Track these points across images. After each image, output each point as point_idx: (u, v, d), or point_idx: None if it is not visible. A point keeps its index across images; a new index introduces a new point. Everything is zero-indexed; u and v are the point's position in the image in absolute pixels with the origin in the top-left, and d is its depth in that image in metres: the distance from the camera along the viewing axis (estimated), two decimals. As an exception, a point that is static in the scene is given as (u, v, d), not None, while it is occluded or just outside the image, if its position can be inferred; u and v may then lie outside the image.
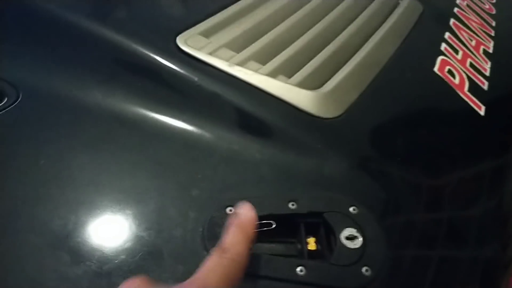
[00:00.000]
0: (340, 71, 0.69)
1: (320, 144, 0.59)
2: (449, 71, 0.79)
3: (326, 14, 0.82)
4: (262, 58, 0.68)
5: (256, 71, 0.64)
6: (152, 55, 0.63)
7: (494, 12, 1.09)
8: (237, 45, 0.69)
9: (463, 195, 0.63)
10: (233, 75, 0.63)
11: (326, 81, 0.67)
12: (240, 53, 0.67)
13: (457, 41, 0.89)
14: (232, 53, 0.67)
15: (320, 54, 0.71)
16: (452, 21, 0.94)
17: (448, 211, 0.60)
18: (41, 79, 0.62)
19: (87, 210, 0.49)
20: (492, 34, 0.98)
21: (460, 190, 0.63)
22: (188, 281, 0.34)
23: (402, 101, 0.72)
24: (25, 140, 0.56)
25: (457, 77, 0.79)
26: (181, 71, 0.62)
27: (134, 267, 0.45)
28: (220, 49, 0.67)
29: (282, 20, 0.77)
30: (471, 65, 0.84)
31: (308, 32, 0.76)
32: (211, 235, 0.47)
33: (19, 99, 0.59)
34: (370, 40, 0.79)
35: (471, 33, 0.94)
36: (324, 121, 0.62)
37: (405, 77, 0.76)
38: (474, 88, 0.78)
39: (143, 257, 0.46)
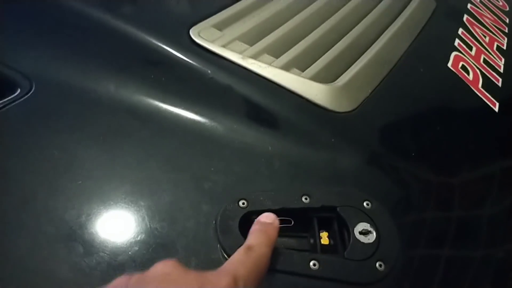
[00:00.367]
0: (353, 66, 0.69)
1: (334, 138, 0.59)
2: (463, 67, 0.78)
3: (340, 8, 0.82)
4: (276, 51, 0.68)
5: (269, 64, 0.64)
6: (165, 47, 0.63)
7: (507, 9, 1.08)
8: (251, 38, 0.69)
9: (475, 193, 0.62)
10: (246, 68, 0.63)
11: (339, 75, 0.66)
12: (254, 46, 0.67)
13: (470, 37, 0.88)
14: (246, 46, 0.67)
15: (333, 48, 0.71)
16: (465, 17, 0.94)
17: (460, 209, 0.59)
18: (54, 71, 0.62)
19: (100, 202, 0.49)
20: (506, 30, 0.98)
21: (472, 188, 0.63)
22: (219, 269, 0.35)
23: (416, 97, 0.71)
24: (38, 131, 0.56)
25: (471, 73, 0.78)
26: (194, 63, 0.62)
27: (147, 259, 0.45)
28: (233, 41, 0.67)
29: (296, 14, 0.77)
30: (485, 61, 0.83)
31: (322, 26, 0.75)
32: (224, 227, 0.47)
33: (32, 90, 0.59)
34: (384, 35, 0.78)
35: (485, 30, 0.93)
36: (338, 115, 0.61)
37: (418, 72, 0.76)
38: (488, 85, 0.78)
39: (156, 249, 0.46)
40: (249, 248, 0.39)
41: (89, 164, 0.52)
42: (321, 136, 0.59)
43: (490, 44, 0.90)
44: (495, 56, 0.86)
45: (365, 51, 0.73)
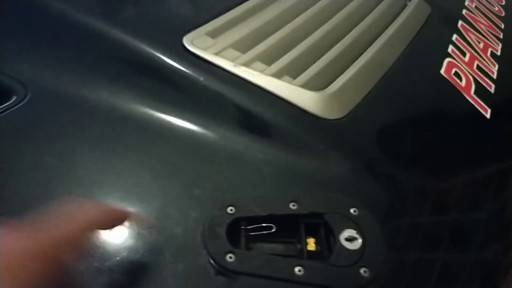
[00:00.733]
0: (345, 73, 0.69)
1: (324, 145, 0.59)
2: (456, 74, 0.79)
3: (333, 16, 0.82)
4: (268, 59, 0.68)
5: (261, 71, 0.65)
6: (158, 54, 0.63)
7: (503, 14, 1.08)
8: (243, 46, 0.70)
9: (466, 198, 0.63)
10: (238, 76, 0.64)
11: (331, 83, 0.67)
12: (246, 54, 0.68)
13: (464, 44, 0.88)
14: (238, 53, 0.68)
15: (325, 55, 0.72)
16: (460, 23, 0.94)
17: (450, 213, 0.60)
18: (49, 78, 0.63)
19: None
20: (501, 36, 0.98)
21: (463, 193, 0.63)
22: None
23: (408, 103, 0.72)
24: (32, 138, 0.57)
25: (464, 80, 0.78)
26: (187, 71, 0.63)
27: (135, 264, 0.46)
28: (226, 49, 0.68)
29: (288, 21, 0.77)
30: (478, 67, 0.84)
31: (314, 34, 0.76)
32: (211, 234, 0.48)
33: (28, 98, 0.60)
34: (377, 41, 0.79)
35: (479, 36, 0.94)
36: (328, 122, 0.62)
37: (411, 79, 0.76)
38: (481, 91, 0.78)
39: (144, 255, 0.47)
40: None
41: (81, 171, 0.53)
42: (311, 143, 0.59)
43: (484, 50, 0.90)
44: (488, 62, 0.87)
45: (358, 58, 0.74)
